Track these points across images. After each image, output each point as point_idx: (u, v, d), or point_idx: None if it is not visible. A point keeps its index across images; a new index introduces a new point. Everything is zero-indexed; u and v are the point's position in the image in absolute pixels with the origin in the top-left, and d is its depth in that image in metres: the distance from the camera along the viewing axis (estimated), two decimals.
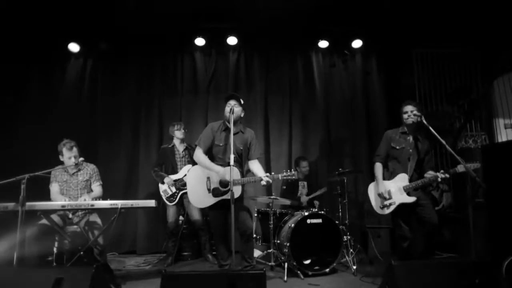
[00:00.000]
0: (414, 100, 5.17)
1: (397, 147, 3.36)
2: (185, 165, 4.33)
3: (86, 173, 3.54)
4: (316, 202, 4.57)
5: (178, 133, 4.34)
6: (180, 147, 4.38)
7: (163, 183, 4.23)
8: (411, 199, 3.18)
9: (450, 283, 2.18)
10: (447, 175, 3.07)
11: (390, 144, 3.40)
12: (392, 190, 3.25)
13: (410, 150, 3.31)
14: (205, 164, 3.18)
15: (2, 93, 4.95)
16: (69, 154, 3.39)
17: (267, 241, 3.98)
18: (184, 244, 4.55)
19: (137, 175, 5.14)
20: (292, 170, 3.14)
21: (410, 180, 3.23)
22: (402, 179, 3.25)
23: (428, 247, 3.26)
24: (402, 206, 3.21)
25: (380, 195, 3.27)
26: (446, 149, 3.03)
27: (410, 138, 3.36)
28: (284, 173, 3.11)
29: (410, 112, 3.28)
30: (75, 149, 3.43)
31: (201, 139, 3.30)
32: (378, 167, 3.39)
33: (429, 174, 3.19)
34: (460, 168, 2.99)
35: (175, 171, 4.28)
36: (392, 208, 3.23)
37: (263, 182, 3.04)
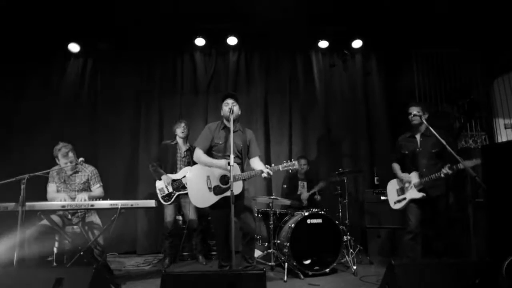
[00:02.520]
0: (417, 101, 5.23)
1: (406, 152, 3.51)
2: (185, 166, 4.21)
3: (84, 175, 3.45)
4: (317, 197, 4.54)
5: (178, 131, 4.26)
6: (183, 147, 4.29)
7: (160, 179, 4.13)
8: (419, 195, 3.32)
9: (450, 283, 2.18)
10: (450, 171, 3.11)
11: (400, 151, 3.57)
12: (406, 186, 3.43)
13: (417, 150, 3.42)
14: (206, 161, 3.16)
15: (2, 93, 4.95)
16: (64, 160, 3.27)
17: (267, 241, 3.98)
18: (184, 244, 4.51)
19: (137, 175, 5.13)
20: (293, 160, 3.13)
21: (422, 177, 3.34)
22: (413, 177, 3.40)
23: (431, 246, 3.37)
24: (413, 202, 3.37)
25: (400, 187, 3.50)
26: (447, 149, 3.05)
27: (417, 138, 3.46)
28: (285, 163, 3.07)
29: (412, 114, 3.42)
30: (70, 154, 3.29)
31: (200, 140, 3.29)
32: (395, 166, 3.63)
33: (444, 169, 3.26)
34: (462, 165, 3.03)
35: (174, 170, 4.19)
36: (403, 203, 3.41)
37: (264, 174, 3.02)
